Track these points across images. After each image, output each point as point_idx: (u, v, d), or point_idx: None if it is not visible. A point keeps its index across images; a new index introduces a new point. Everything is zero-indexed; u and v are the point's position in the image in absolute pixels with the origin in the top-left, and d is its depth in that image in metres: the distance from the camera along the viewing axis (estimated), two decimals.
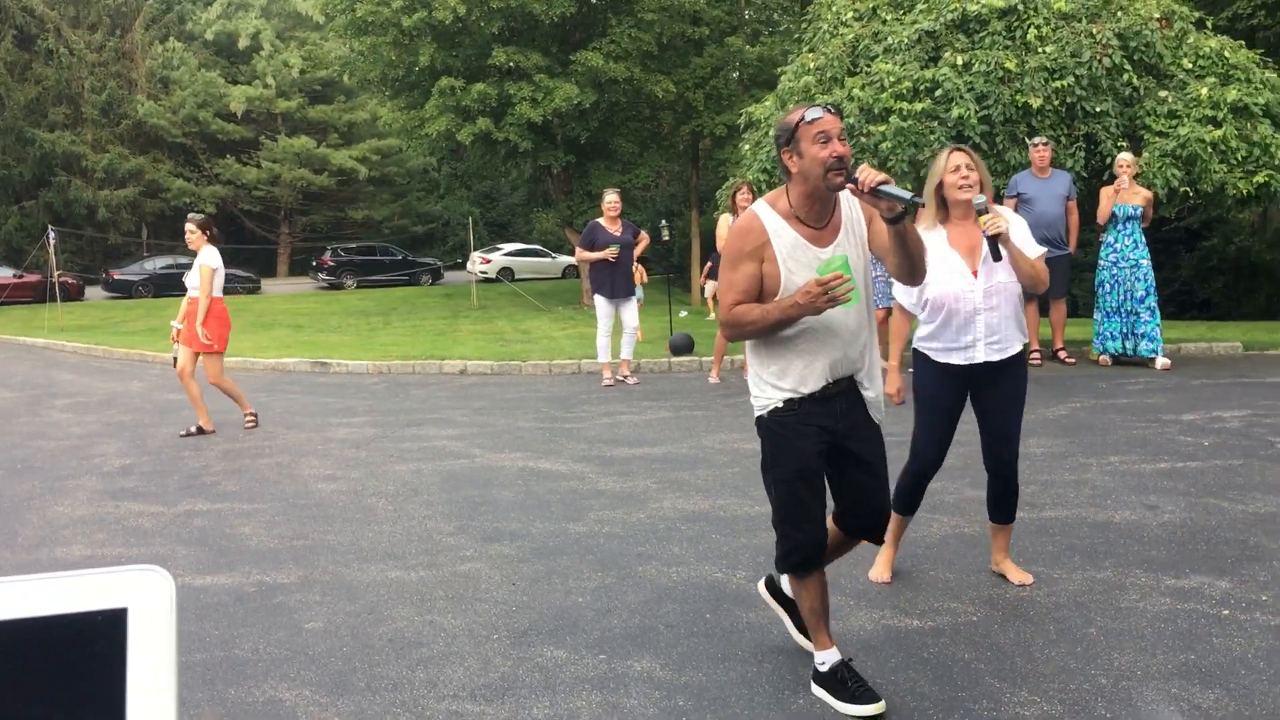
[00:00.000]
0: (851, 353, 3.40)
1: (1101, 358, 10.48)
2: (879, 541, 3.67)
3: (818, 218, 3.35)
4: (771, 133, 11.41)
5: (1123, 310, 10.29)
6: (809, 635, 3.64)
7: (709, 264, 20.88)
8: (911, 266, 3.32)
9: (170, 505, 6.43)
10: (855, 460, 3.47)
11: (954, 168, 4.12)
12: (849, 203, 3.42)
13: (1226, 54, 11.46)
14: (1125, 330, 10.33)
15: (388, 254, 39.74)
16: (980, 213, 4.01)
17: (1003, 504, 4.41)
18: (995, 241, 3.97)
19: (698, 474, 6.67)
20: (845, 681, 3.44)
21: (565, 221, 29.24)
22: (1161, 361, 10.22)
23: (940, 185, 4.18)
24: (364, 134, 46.11)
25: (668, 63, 28.57)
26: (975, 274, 4.12)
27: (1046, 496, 5.77)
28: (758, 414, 3.48)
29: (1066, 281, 10.80)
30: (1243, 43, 12.31)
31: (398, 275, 38.00)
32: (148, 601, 0.79)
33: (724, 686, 3.61)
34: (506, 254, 40.21)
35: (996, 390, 4.24)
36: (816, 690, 3.52)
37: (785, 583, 3.91)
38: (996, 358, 4.18)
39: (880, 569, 4.60)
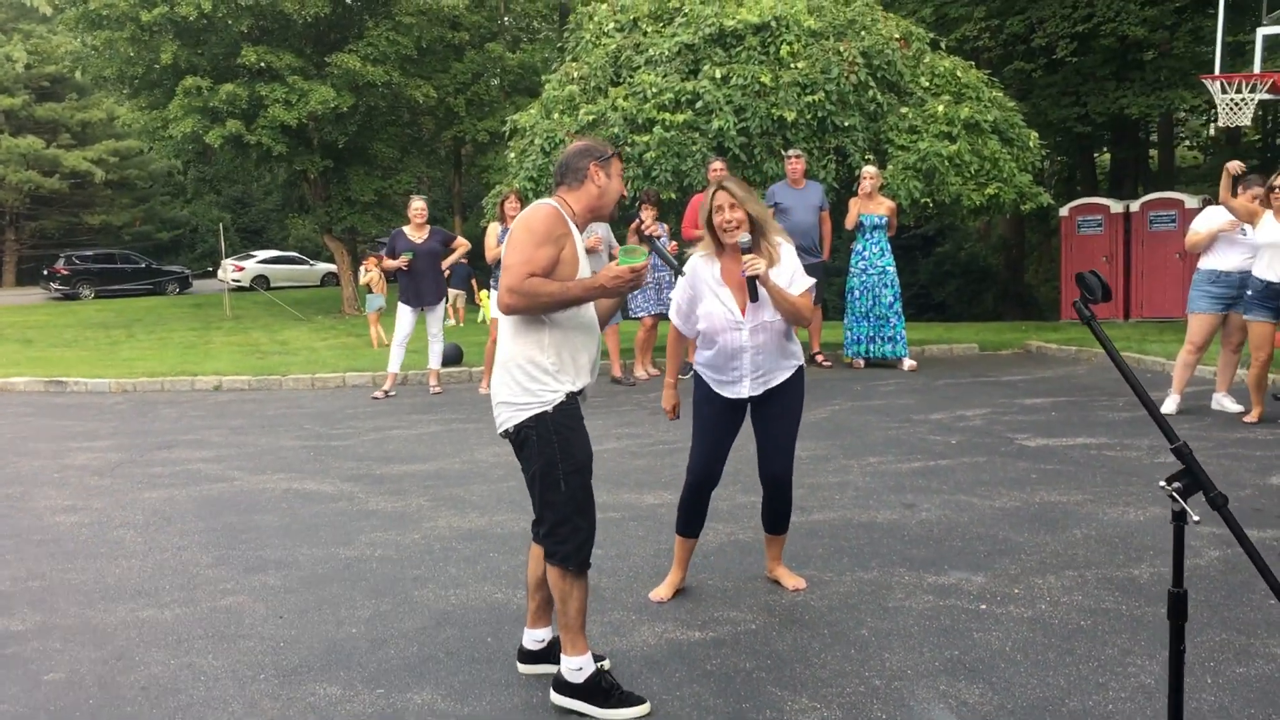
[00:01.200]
0: (596, 353, 3.63)
1: (855, 361, 11.00)
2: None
3: (582, 226, 3.62)
4: (563, 137, 11.37)
5: (871, 315, 10.83)
6: (570, 652, 3.54)
7: (449, 272, 20.56)
8: (617, 304, 3.84)
9: None
10: None
11: (717, 208, 4.12)
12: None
13: (959, 73, 12.28)
14: (873, 334, 10.89)
15: (129, 262, 37.39)
16: (744, 251, 4.05)
17: (776, 516, 4.49)
18: (753, 282, 4.04)
19: (472, 490, 6.54)
20: (610, 689, 3.50)
21: (324, 228, 28.29)
22: (908, 363, 10.82)
23: (709, 220, 4.18)
24: (100, 134, 43.14)
25: (428, 67, 28.11)
26: (744, 312, 4.15)
27: (814, 499, 5.97)
28: (537, 412, 3.44)
29: (820, 287, 11.26)
30: (972, 63, 13.22)
31: (141, 284, 35.82)
32: None
33: (508, 713, 3.52)
34: (261, 261, 38.55)
35: (769, 408, 4.33)
36: (566, 701, 3.53)
37: (526, 639, 3.85)
38: (760, 392, 4.27)
39: (663, 589, 4.57)
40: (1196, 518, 2.10)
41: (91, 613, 4.62)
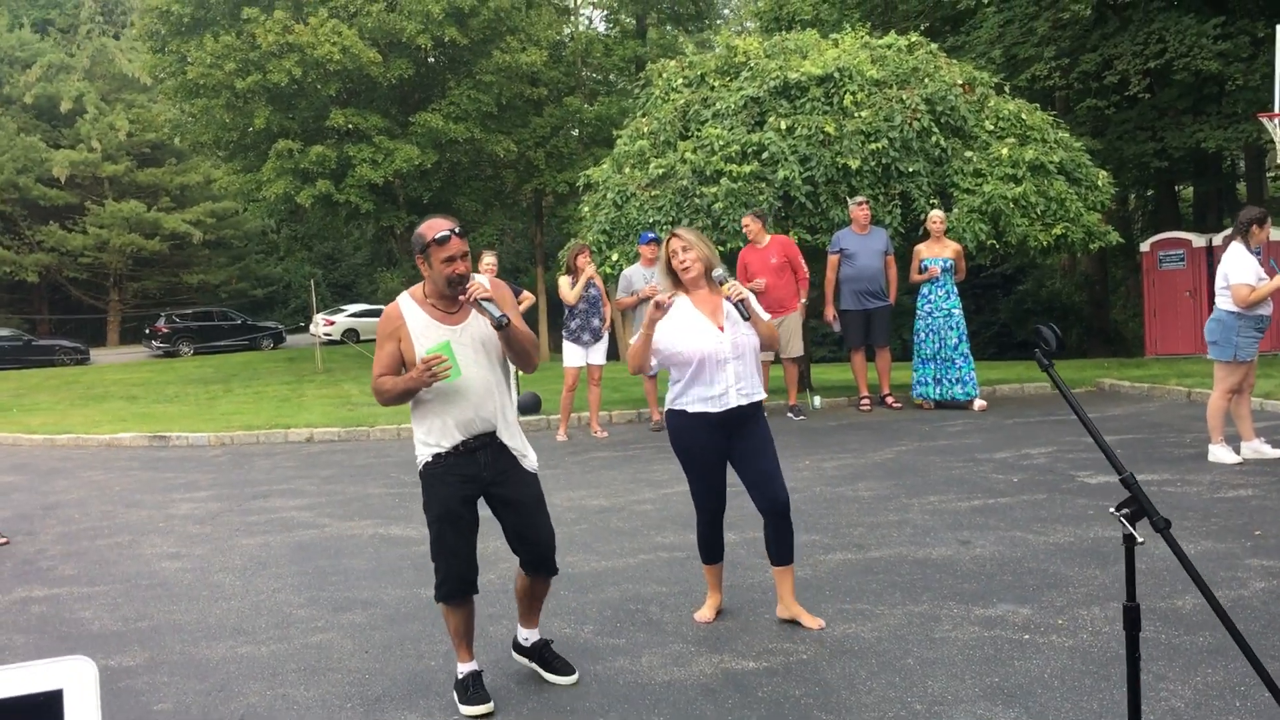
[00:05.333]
0: (484, 412, 4.09)
1: (925, 402, 11.13)
2: (549, 573, 4.36)
3: (448, 305, 4.11)
4: (633, 190, 11.77)
5: (938, 357, 10.97)
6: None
7: None
8: (518, 358, 4.19)
9: (4, 593, 6.26)
10: (504, 503, 4.20)
11: (672, 252, 4.68)
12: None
13: (1024, 116, 12.43)
14: (939, 376, 11.01)
15: (226, 319, 38.81)
16: (721, 283, 4.60)
17: (782, 542, 4.78)
18: (740, 306, 4.54)
19: None
20: (467, 688, 4.16)
21: (410, 281, 29.12)
22: (978, 403, 10.92)
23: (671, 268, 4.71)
24: (198, 197, 45.00)
25: (508, 122, 28.92)
26: (722, 329, 4.61)
27: (872, 537, 6.17)
28: (419, 469, 4.18)
29: (888, 330, 11.44)
30: (1038, 105, 13.35)
31: (237, 341, 37.13)
32: (77, 683, 0.99)
33: None
34: (351, 315, 39.74)
35: (747, 440, 4.71)
36: (454, 695, 4.22)
37: (519, 635, 4.53)
38: (745, 402, 4.66)
39: (707, 611, 4.97)
40: (1141, 539, 2.32)
41: (195, 649, 5.02)
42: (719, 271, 4.62)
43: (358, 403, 16.04)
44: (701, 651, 4.55)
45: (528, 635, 4.49)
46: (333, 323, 38.09)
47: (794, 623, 4.81)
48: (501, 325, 3.99)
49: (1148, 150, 20.01)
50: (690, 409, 4.68)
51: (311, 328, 33.17)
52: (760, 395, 4.75)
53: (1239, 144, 19.41)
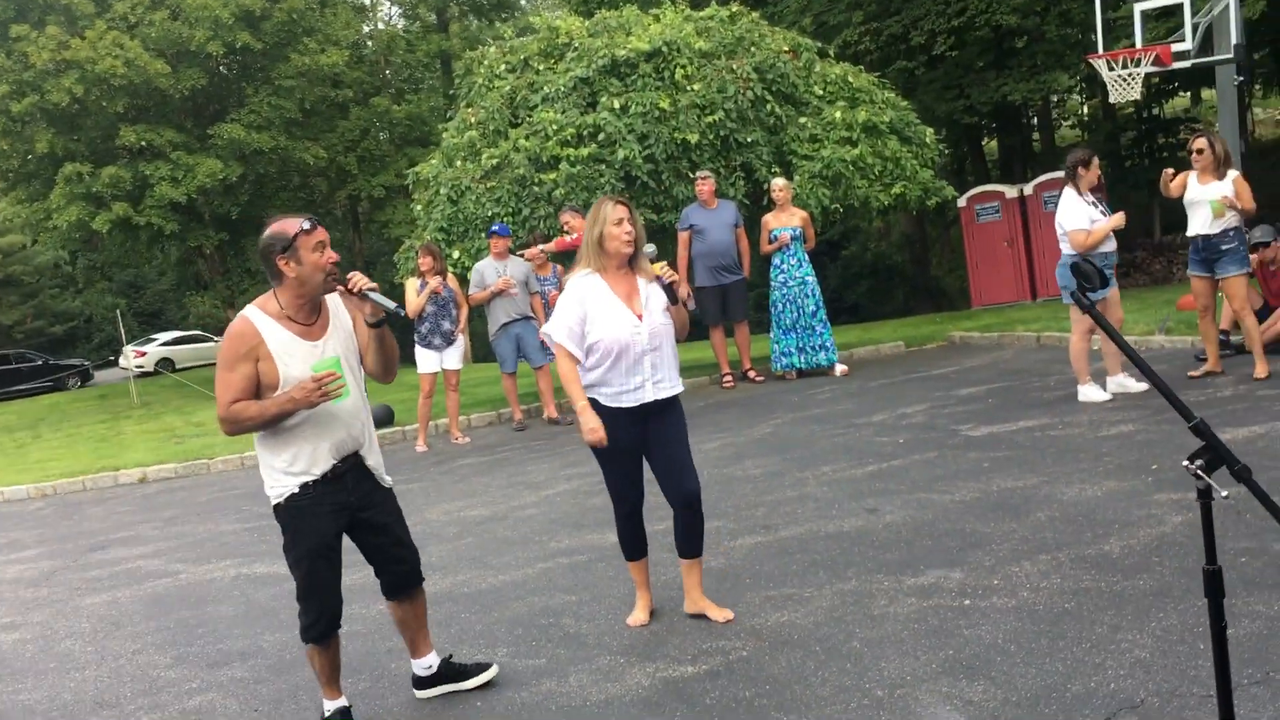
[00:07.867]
0: (354, 431, 3.80)
1: (787, 373, 11.04)
2: (419, 582, 4.06)
3: (307, 316, 3.73)
4: (468, 184, 11.30)
5: (797, 326, 10.89)
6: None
7: None
8: (385, 365, 3.88)
9: None
10: (371, 527, 3.91)
11: (617, 220, 4.26)
12: (334, 300, 3.83)
13: (850, 79, 12.50)
14: (801, 345, 10.94)
15: (24, 360, 36.09)
16: (652, 261, 4.29)
17: (691, 534, 4.49)
18: (672, 287, 4.24)
19: (429, 551, 6.36)
20: None
21: (226, 302, 27.76)
22: (840, 369, 10.91)
23: (601, 236, 4.28)
24: None
25: (314, 128, 27.84)
26: (640, 318, 4.28)
27: (778, 516, 5.94)
28: (274, 503, 3.80)
29: (745, 304, 11.31)
30: (861, 67, 13.46)
31: (40, 383, 34.59)
32: None
33: None
34: (163, 344, 37.54)
35: (663, 430, 4.40)
36: None
37: (417, 669, 4.20)
38: (663, 395, 4.36)
39: (641, 614, 4.62)
40: (1225, 493, 2.11)
41: None
42: (651, 248, 4.27)
43: (184, 435, 15.00)
44: (633, 661, 4.21)
45: (429, 663, 4.16)
46: (144, 354, 35.81)
47: (704, 617, 4.53)
48: (398, 315, 3.74)
49: (957, 107, 20.61)
50: (606, 402, 4.34)
51: (121, 361, 31.22)
52: (678, 388, 4.42)
53: (1040, 94, 20.18)
